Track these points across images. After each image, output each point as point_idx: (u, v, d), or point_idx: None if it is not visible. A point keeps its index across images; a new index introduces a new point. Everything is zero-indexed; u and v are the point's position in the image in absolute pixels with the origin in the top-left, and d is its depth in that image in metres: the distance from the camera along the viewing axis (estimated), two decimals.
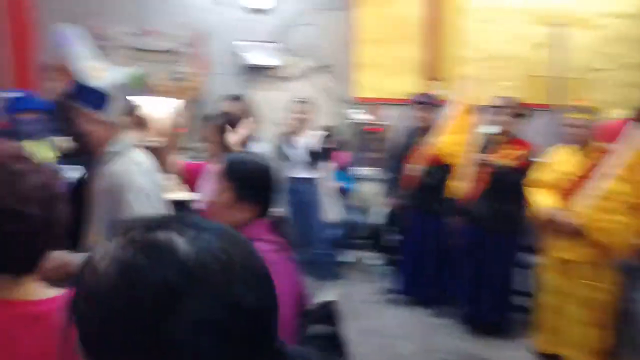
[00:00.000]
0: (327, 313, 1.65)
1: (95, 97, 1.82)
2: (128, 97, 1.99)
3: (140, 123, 3.42)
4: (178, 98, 4.62)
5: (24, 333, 0.85)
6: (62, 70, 2.01)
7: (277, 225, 1.65)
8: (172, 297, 0.50)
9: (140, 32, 4.58)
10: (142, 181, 1.84)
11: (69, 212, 0.96)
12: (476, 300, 3.67)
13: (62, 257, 1.57)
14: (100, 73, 1.91)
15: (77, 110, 1.84)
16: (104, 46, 4.54)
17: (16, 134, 2.98)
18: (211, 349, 0.51)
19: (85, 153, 1.90)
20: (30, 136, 2.99)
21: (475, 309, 3.69)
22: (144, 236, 0.54)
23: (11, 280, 0.90)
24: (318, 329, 1.58)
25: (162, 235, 0.54)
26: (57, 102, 2.01)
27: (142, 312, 0.50)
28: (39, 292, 0.92)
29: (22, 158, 0.91)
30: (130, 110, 3.23)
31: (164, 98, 4.58)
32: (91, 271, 0.54)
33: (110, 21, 4.56)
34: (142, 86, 2.08)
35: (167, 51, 4.57)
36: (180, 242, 0.53)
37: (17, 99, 3.21)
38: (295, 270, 1.61)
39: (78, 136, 1.89)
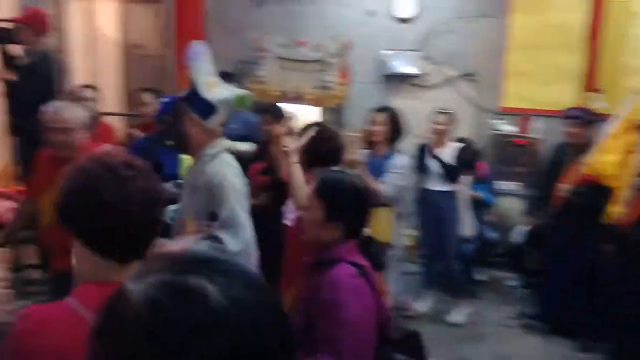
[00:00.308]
0: (413, 345, 1.62)
1: (203, 107, 2.08)
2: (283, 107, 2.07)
3: (290, 130, 3.68)
4: (322, 106, 4.87)
5: None
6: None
7: (365, 246, 1.64)
8: (196, 341, 0.52)
9: (292, 43, 4.87)
10: (235, 181, 2.11)
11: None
12: (629, 339, 3.32)
13: (165, 245, 1.77)
14: (213, 88, 2.13)
15: (186, 114, 2.13)
16: (260, 55, 4.93)
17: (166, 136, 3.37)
18: None
19: (182, 151, 2.21)
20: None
21: (626, 349, 3.34)
22: (177, 279, 0.57)
23: (119, 266, 1.05)
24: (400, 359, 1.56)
25: (193, 280, 0.56)
26: (174, 104, 2.34)
27: (165, 351, 0.52)
28: None
29: (131, 165, 1.08)
30: (284, 118, 3.47)
31: (308, 106, 4.86)
32: (123, 304, 0.57)
33: (267, 32, 4.91)
34: (244, 106, 2.27)
35: (316, 61, 4.79)
36: (211, 290, 0.55)
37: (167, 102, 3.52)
38: (376, 295, 1.56)
39: (181, 135, 2.17)
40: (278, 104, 4.22)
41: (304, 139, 2.55)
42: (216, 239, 2.07)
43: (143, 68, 5.75)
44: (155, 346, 0.53)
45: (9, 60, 3.82)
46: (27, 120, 3.44)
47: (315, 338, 1.47)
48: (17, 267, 3.71)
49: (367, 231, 1.75)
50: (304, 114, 4.97)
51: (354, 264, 1.55)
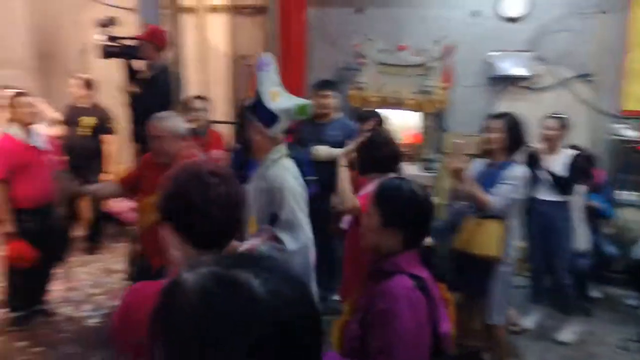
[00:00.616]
0: None
1: (266, 116, 2.21)
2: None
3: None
4: (422, 111, 4.78)
5: None
6: None
7: (426, 257, 1.61)
8: (240, 327, 0.60)
9: (393, 48, 4.84)
10: (294, 184, 2.24)
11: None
12: None
13: (236, 245, 1.93)
14: (276, 98, 2.22)
15: (251, 122, 2.28)
16: (360, 62, 4.96)
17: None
18: None
19: (250, 155, 2.34)
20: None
21: None
22: (226, 272, 0.65)
23: (205, 254, 1.20)
24: None
25: (240, 274, 0.64)
26: (241, 112, 2.48)
27: (210, 334, 0.60)
28: None
29: (215, 173, 1.28)
30: (382, 122, 3.49)
31: (409, 111, 4.81)
32: (178, 290, 0.66)
33: (368, 39, 4.93)
34: (304, 114, 2.29)
35: (417, 65, 4.72)
36: (255, 283, 0.63)
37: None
38: (435, 307, 1.53)
39: (247, 141, 2.31)
40: (378, 110, 4.23)
41: (354, 144, 2.58)
42: (277, 239, 2.20)
43: (249, 78, 6.02)
44: (203, 329, 0.61)
45: (133, 74, 4.17)
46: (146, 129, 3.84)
47: (370, 347, 1.48)
48: (133, 262, 4.06)
49: (428, 240, 1.72)
50: (404, 120, 4.93)
51: (413, 276, 1.53)
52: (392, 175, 2.46)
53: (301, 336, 0.64)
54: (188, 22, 6.00)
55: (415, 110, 4.78)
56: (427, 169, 4.79)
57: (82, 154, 4.79)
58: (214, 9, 6.03)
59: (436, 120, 4.96)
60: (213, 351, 0.60)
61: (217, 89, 5.91)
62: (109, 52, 4.02)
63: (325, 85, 4.13)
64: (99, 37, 4.04)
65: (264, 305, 0.62)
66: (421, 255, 1.61)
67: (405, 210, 1.59)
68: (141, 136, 4.09)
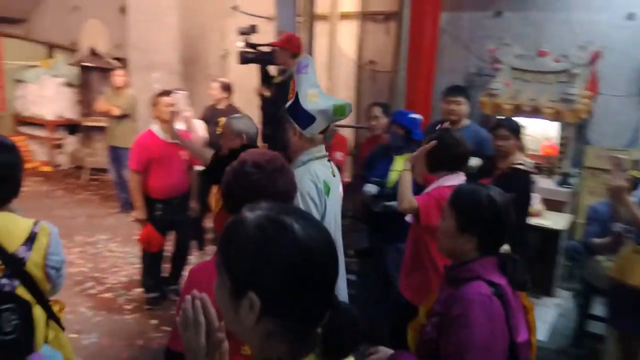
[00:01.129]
0: None
1: (303, 117, 2.21)
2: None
3: (520, 145, 3.47)
4: (562, 121, 4.43)
5: None
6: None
7: (504, 264, 1.57)
8: (283, 256, 0.86)
9: (531, 54, 4.55)
10: (310, 187, 2.19)
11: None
12: None
13: None
14: (314, 99, 2.21)
15: (289, 123, 2.29)
16: (494, 67, 4.73)
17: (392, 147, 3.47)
18: (295, 291, 0.86)
19: (288, 157, 2.28)
20: (397, 150, 3.42)
21: None
22: (276, 215, 0.89)
23: None
24: None
25: (286, 218, 0.88)
26: (280, 114, 2.43)
27: (262, 258, 0.85)
28: None
29: (272, 162, 1.52)
30: (517, 131, 3.28)
31: (546, 120, 4.48)
32: (240, 224, 0.89)
33: (504, 43, 4.69)
34: (343, 115, 2.27)
35: (558, 72, 4.39)
36: (296, 226, 0.87)
37: (397, 113, 3.63)
38: (513, 315, 1.49)
39: (285, 142, 2.35)
40: (513, 118, 3.99)
41: (426, 147, 2.56)
42: None
43: (375, 84, 6.04)
44: (257, 254, 0.86)
45: (267, 79, 4.39)
46: (276, 131, 3.94)
47: (444, 352, 1.49)
48: None
49: (506, 248, 1.69)
50: (540, 129, 4.61)
51: (490, 283, 1.51)
52: (460, 173, 2.53)
53: (322, 265, 0.88)
54: (321, 29, 6.18)
55: (554, 120, 4.44)
56: (563, 183, 4.42)
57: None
58: (345, 16, 6.14)
59: (577, 131, 4.57)
60: (262, 269, 0.85)
61: (343, 94, 6.00)
62: (246, 58, 4.26)
63: (456, 90, 3.99)
64: (239, 44, 4.29)
65: (301, 241, 0.86)
66: (500, 263, 1.58)
67: (481, 216, 1.58)
68: (269, 137, 4.31)
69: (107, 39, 8.61)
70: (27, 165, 7.06)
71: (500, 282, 1.52)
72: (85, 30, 8.86)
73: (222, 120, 5.21)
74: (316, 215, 2.22)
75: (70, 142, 8.21)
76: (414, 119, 3.43)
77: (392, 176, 3.36)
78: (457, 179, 2.48)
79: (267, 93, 4.37)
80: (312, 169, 2.26)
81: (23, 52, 8.32)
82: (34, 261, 1.70)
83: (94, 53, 7.66)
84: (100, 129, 7.13)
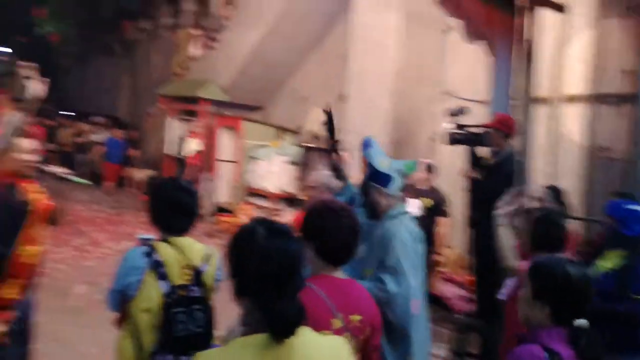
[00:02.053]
0: None
1: (383, 178, 2.59)
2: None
3: None
4: None
5: None
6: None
7: (576, 337, 1.57)
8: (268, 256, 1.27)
9: None
10: (406, 237, 2.49)
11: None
12: None
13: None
14: (387, 164, 2.65)
15: (371, 186, 2.62)
16: None
17: None
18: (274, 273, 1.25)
19: (375, 217, 2.60)
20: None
21: None
22: (268, 226, 1.33)
23: (333, 267, 1.78)
24: None
25: (259, 229, 1.32)
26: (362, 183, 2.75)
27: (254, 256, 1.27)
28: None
29: (343, 208, 1.84)
30: None
31: None
32: (248, 231, 1.31)
33: None
34: (413, 170, 2.82)
35: None
36: (261, 236, 1.31)
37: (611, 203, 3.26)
38: None
39: (371, 205, 2.62)
40: None
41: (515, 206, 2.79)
42: (379, 279, 2.41)
43: (608, 172, 5.26)
44: (252, 252, 1.27)
45: (476, 161, 4.15)
46: (483, 215, 3.70)
47: None
48: (458, 352, 3.88)
49: (582, 322, 1.63)
50: None
51: (547, 350, 1.54)
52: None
53: (278, 264, 1.26)
54: (539, 112, 5.74)
55: None
56: None
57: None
58: (571, 99, 5.59)
59: None
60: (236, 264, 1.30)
61: (567, 181, 5.34)
62: (455, 139, 4.14)
63: None
64: (447, 125, 4.21)
65: (262, 248, 1.27)
66: (572, 335, 1.58)
67: (555, 285, 1.62)
68: (477, 222, 4.00)
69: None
70: None
71: (562, 352, 1.54)
72: (310, 116, 9.87)
73: (423, 200, 5.10)
74: (408, 267, 2.44)
75: (288, 213, 8.97)
76: (632, 210, 2.91)
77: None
78: None
79: (477, 176, 4.13)
80: (406, 222, 2.60)
81: (258, 134, 9.57)
82: (209, 274, 2.13)
83: (315, 136, 8.38)
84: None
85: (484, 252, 3.99)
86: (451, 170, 5.25)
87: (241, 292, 1.27)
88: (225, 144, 9.66)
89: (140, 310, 2.01)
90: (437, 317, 5.46)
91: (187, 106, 10.76)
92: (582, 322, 1.64)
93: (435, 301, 4.89)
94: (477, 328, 4.00)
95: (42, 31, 24.46)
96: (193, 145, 9.78)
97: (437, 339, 4.94)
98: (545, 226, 2.56)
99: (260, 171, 9.08)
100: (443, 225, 5.14)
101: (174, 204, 2.12)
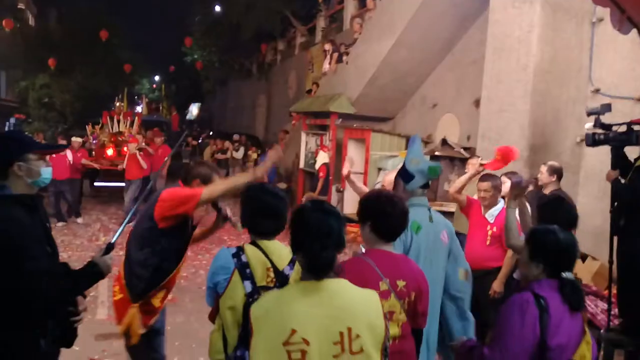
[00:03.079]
0: None
1: (406, 175, 2.83)
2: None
3: None
4: None
5: None
6: None
7: (562, 286, 2.00)
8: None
9: None
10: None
11: None
12: None
13: None
14: (416, 164, 2.83)
15: (397, 180, 2.92)
16: None
17: None
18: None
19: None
20: None
21: None
22: (316, 204, 1.76)
23: (385, 242, 2.25)
24: None
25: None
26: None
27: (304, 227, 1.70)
28: None
29: (394, 197, 2.27)
30: None
31: None
32: (301, 207, 1.74)
33: None
34: (435, 175, 2.83)
35: None
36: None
37: None
38: (546, 321, 1.90)
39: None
40: None
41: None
42: None
43: None
44: (301, 222, 1.69)
45: (622, 163, 3.79)
46: (629, 221, 3.61)
47: (491, 337, 2.05)
48: None
49: (569, 275, 2.06)
50: None
51: (536, 295, 1.96)
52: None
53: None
54: None
55: None
56: None
57: None
58: None
59: None
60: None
61: None
62: (595, 140, 3.76)
63: None
64: (587, 125, 3.87)
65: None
66: (561, 286, 2.00)
67: (549, 247, 2.07)
68: (622, 229, 3.62)
69: (458, 131, 9.10)
70: None
71: (548, 297, 1.96)
72: (441, 123, 9.61)
73: None
74: (400, 244, 2.60)
75: None
76: None
77: None
78: None
79: (620, 178, 3.74)
80: (414, 212, 2.60)
81: (386, 145, 9.54)
82: (293, 277, 2.18)
83: (445, 143, 8.12)
84: (443, 213, 7.33)
85: (629, 261, 3.65)
86: (602, 176, 4.72)
87: (296, 248, 1.66)
88: (354, 155, 9.77)
89: (226, 307, 2.14)
90: None
91: (319, 121, 11.11)
92: (568, 274, 2.07)
93: None
94: (622, 344, 3.53)
95: (189, 59, 27.16)
96: (323, 159, 10.04)
97: None
98: (549, 210, 2.94)
99: (387, 182, 9.02)
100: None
101: (261, 208, 2.24)
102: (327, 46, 12.56)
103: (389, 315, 1.97)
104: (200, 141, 16.57)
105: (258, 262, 2.16)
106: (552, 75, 6.14)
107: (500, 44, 6.60)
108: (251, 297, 2.09)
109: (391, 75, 9.77)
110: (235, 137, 14.72)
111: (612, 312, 3.86)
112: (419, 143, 2.99)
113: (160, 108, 25.89)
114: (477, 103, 8.16)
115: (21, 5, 27.93)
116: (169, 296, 3.06)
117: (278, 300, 1.62)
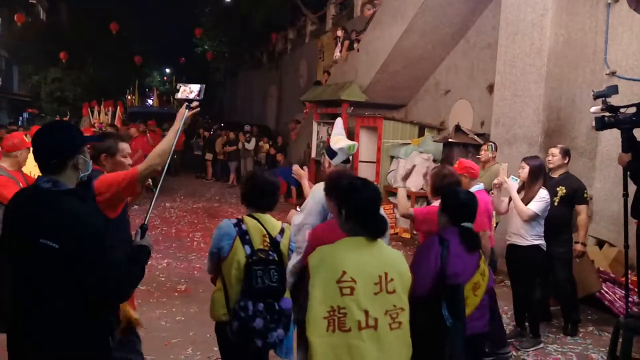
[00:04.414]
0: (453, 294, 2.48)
1: (330, 152, 3.28)
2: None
3: None
4: None
5: None
6: None
7: (462, 233, 2.65)
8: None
9: None
10: (321, 192, 2.90)
11: None
12: None
13: None
14: (338, 142, 3.27)
15: (324, 157, 3.38)
16: None
17: None
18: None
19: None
20: None
21: None
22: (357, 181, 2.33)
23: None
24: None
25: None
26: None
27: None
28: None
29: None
30: None
31: None
32: (350, 184, 2.26)
33: None
34: (352, 152, 3.29)
35: None
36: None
37: None
38: (446, 256, 2.55)
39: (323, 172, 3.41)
40: None
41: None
42: None
43: None
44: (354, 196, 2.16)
45: (632, 145, 3.72)
46: None
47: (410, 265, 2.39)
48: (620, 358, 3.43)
49: (467, 224, 2.71)
50: None
51: (442, 238, 2.61)
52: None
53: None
54: None
55: None
56: None
57: (548, 222, 4.37)
58: None
59: None
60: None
61: None
62: (604, 123, 3.68)
63: None
64: (593, 109, 3.78)
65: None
66: (461, 232, 2.66)
67: (451, 202, 2.77)
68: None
69: (472, 117, 8.98)
70: (391, 231, 7.75)
71: (451, 240, 2.61)
72: (454, 110, 9.50)
73: (562, 189, 4.57)
74: (321, 211, 2.88)
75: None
76: None
77: None
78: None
79: (632, 161, 3.66)
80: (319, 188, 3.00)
81: (398, 132, 9.46)
82: (284, 243, 2.69)
83: (458, 130, 8.04)
84: None
85: None
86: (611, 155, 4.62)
87: (352, 214, 2.11)
88: (366, 144, 9.72)
89: (231, 267, 2.59)
90: (598, 319, 4.88)
91: (330, 110, 11.05)
92: (467, 224, 2.69)
93: (594, 303, 4.35)
94: None
95: (199, 50, 27.17)
96: None
97: (597, 343, 4.42)
98: (442, 177, 3.42)
99: (401, 170, 8.95)
100: (582, 213, 4.57)
101: (259, 188, 2.71)
102: (339, 33, 12.43)
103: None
104: (212, 132, 16.56)
105: (255, 230, 2.61)
106: (566, 59, 6.02)
107: (514, 28, 6.48)
108: (250, 258, 2.54)
109: (403, 61, 9.66)
110: (247, 127, 14.68)
111: (630, 299, 3.80)
112: (341, 126, 3.57)
113: (172, 100, 25.95)
114: (490, 88, 8.05)
115: (32, 0, 28.08)
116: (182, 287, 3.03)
117: (332, 251, 2.06)
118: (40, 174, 1.96)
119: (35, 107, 25.21)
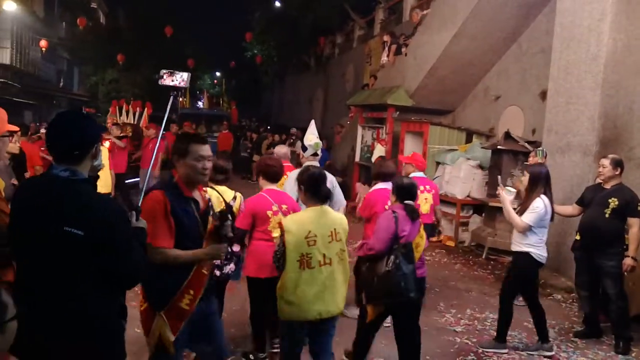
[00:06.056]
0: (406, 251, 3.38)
1: (304, 147, 4.78)
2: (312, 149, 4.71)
3: None
4: None
5: None
6: None
7: (406, 208, 3.47)
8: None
9: None
10: (293, 177, 4.21)
11: None
12: None
13: None
14: (311, 139, 4.75)
15: (300, 151, 5.01)
16: None
17: None
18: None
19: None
20: None
21: None
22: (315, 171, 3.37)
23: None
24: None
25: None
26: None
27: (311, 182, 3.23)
28: None
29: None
30: None
31: None
32: (305, 171, 3.38)
33: None
34: (317, 148, 4.63)
35: None
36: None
37: None
38: (397, 223, 3.38)
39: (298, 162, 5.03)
40: None
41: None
42: None
43: None
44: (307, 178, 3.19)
45: None
46: None
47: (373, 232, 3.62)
48: None
49: (410, 202, 3.53)
50: None
51: (394, 211, 3.45)
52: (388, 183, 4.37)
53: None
54: None
55: None
56: None
57: (598, 234, 4.38)
58: None
59: None
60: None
61: None
62: None
63: None
64: None
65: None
66: (405, 207, 3.50)
67: (397, 186, 3.61)
68: None
69: (523, 124, 8.73)
70: (432, 239, 7.64)
71: (399, 213, 3.44)
72: (504, 116, 9.26)
73: (614, 201, 4.35)
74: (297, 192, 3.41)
75: (475, 220, 8.51)
76: None
77: None
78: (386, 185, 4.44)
79: None
80: (293, 176, 4.05)
81: (445, 138, 9.32)
82: (235, 207, 3.69)
83: (508, 137, 7.83)
84: (495, 208, 7.08)
85: None
86: None
87: (310, 189, 3.09)
88: (411, 149, 9.61)
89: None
90: None
91: (375, 114, 11.00)
92: (409, 202, 3.51)
93: None
94: None
95: (249, 54, 27.65)
96: (379, 152, 9.94)
97: None
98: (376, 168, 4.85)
99: (447, 176, 8.80)
100: (635, 226, 4.35)
101: (217, 168, 3.62)
102: (386, 37, 12.36)
103: (278, 225, 3.36)
104: (259, 135, 16.84)
105: (215, 197, 3.14)
106: (625, 65, 5.77)
107: (569, 34, 6.27)
108: (215, 215, 2.98)
109: (452, 66, 9.51)
110: (293, 130, 14.82)
111: None
112: (314, 126, 4.98)
113: (221, 102, 26.52)
114: (543, 95, 7.81)
115: (94, 5, 29.37)
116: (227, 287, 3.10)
117: (299, 216, 3.14)
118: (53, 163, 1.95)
119: (92, 107, 26.30)
